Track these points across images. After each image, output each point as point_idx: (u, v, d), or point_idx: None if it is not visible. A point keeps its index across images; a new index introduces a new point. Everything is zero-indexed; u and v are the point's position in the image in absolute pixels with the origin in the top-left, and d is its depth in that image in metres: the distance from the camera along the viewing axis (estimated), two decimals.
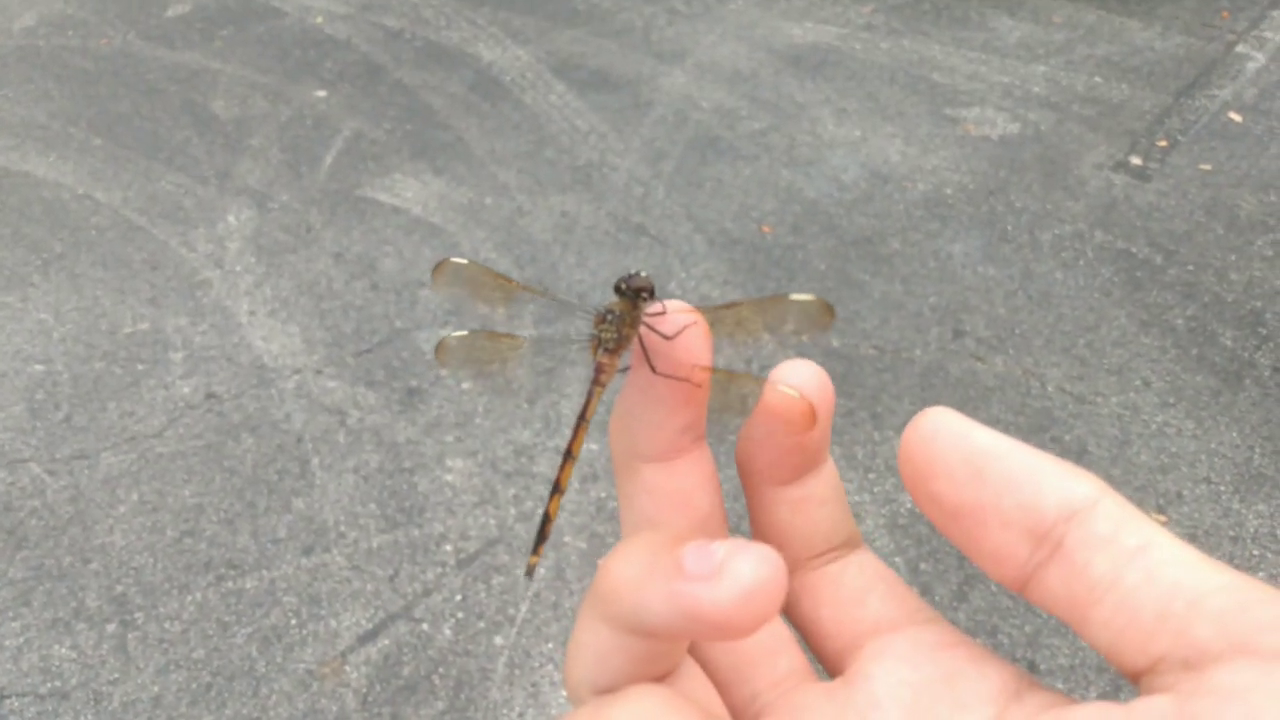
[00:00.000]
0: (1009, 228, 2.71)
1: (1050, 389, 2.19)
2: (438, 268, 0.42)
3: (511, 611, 1.76)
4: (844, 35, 3.77)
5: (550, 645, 1.70)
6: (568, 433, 2.08)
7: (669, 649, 0.24)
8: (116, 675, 1.67)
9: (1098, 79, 3.43)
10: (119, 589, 1.80)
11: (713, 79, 3.47)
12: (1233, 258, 2.58)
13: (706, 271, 2.54)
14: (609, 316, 0.36)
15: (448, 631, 1.73)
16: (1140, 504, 1.92)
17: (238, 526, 1.91)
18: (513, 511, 1.92)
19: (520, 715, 1.60)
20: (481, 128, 3.17)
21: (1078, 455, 2.01)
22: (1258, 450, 2.04)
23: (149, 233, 2.69)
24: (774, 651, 0.28)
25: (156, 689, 1.65)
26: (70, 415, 2.14)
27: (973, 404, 2.13)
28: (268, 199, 2.83)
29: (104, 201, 2.81)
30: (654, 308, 0.32)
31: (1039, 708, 0.23)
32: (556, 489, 0.38)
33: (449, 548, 1.86)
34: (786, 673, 0.28)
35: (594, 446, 2.05)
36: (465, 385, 2.19)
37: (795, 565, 0.30)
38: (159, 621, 1.75)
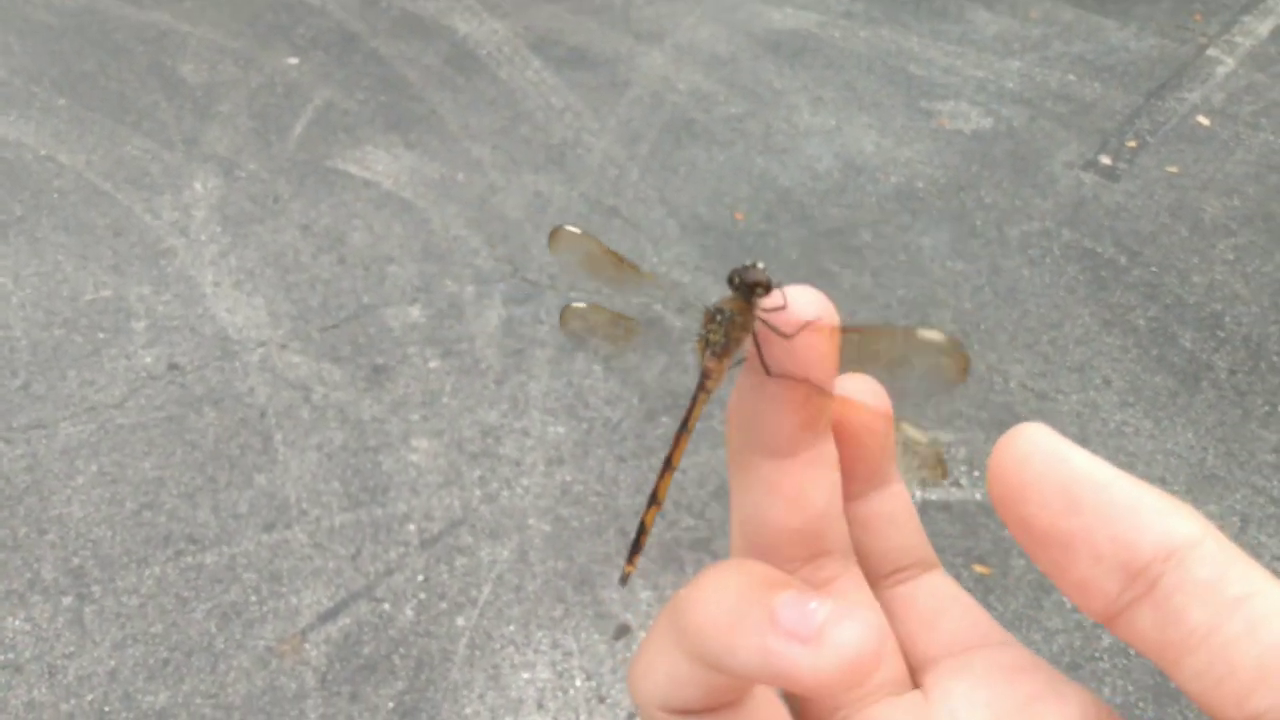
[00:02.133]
0: (978, 223, 2.73)
1: (1013, 385, 2.22)
2: (554, 235, 0.39)
3: (474, 593, 1.76)
4: (823, 22, 3.77)
5: (512, 628, 1.71)
6: (535, 415, 2.08)
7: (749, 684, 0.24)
8: (72, 649, 1.65)
9: (1071, 77, 3.46)
10: (76, 561, 1.78)
11: (691, 61, 3.46)
12: (1195, 260, 2.62)
13: (678, 256, 2.54)
14: (718, 316, 0.33)
15: (409, 612, 1.73)
16: None
17: (198, 501, 1.89)
18: (477, 493, 1.92)
19: (480, 696, 1.61)
20: (456, 101, 3.14)
21: None
22: (1211, 451, 2.09)
23: (113, 198, 2.64)
24: (884, 659, 0.27)
25: (113, 663, 1.63)
26: (28, 383, 2.10)
27: (936, 398, 2.16)
28: (235, 167, 2.79)
29: (67, 164, 2.76)
30: (772, 300, 0.29)
31: None
32: (654, 500, 0.36)
33: (412, 528, 1.86)
34: (876, 684, 0.27)
35: (561, 429, 2.05)
36: (432, 364, 2.18)
37: (870, 583, 0.29)
38: (116, 595, 1.73)
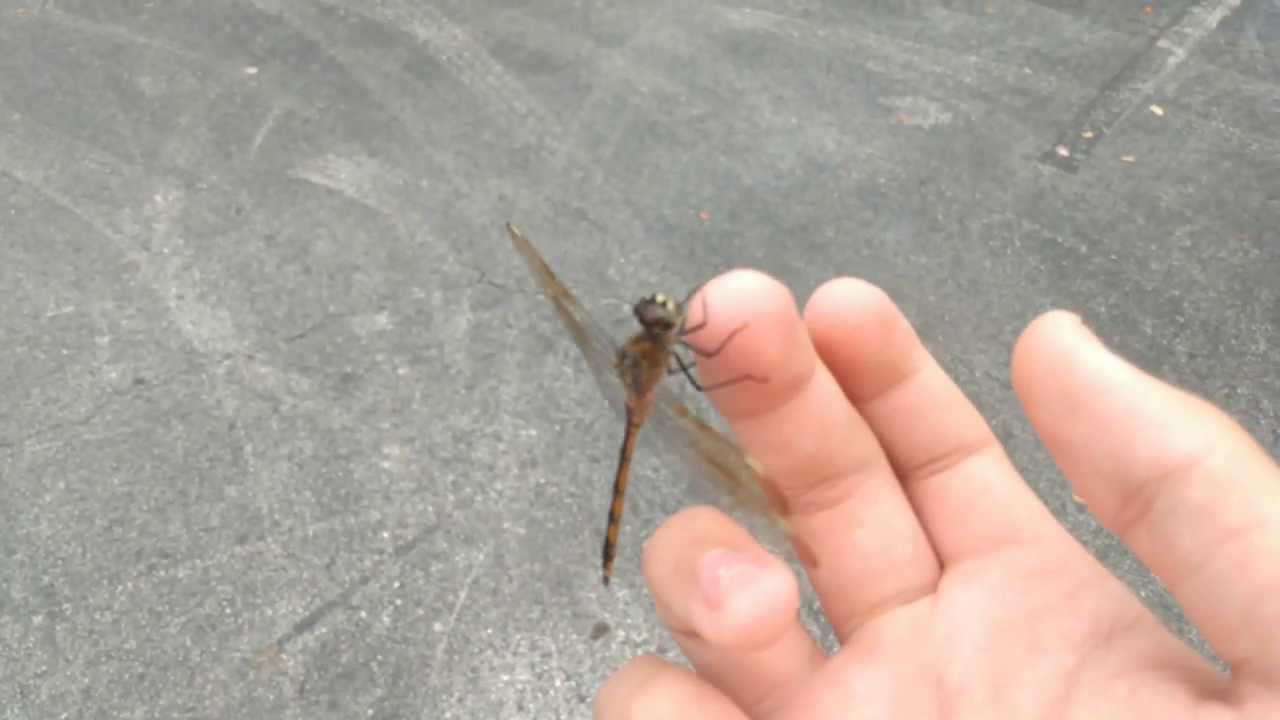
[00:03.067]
0: (940, 217, 2.77)
1: (978, 374, 2.25)
2: (510, 230, 0.38)
3: (450, 598, 1.76)
4: (781, 22, 3.80)
5: (489, 631, 1.71)
6: (506, 419, 2.09)
7: None
8: (44, 668, 1.63)
9: (1028, 70, 3.51)
10: (46, 579, 1.76)
11: (652, 63, 3.47)
12: (1153, 248, 2.67)
13: (645, 258, 2.56)
14: (625, 360, 0.31)
15: (386, 619, 1.73)
16: (1062, 488, 1.98)
17: (169, 515, 1.88)
18: (451, 498, 1.92)
19: (460, 700, 1.61)
20: (417, 108, 3.13)
21: (1004, 439, 2.07)
22: None
23: (72, 213, 2.61)
24: (881, 574, 0.26)
25: (87, 681, 1.62)
26: None
27: None
28: (196, 179, 2.77)
29: (24, 180, 2.72)
30: (693, 317, 0.26)
31: (1123, 664, 0.21)
32: (612, 519, 0.36)
33: (386, 535, 1.85)
34: (894, 591, 0.26)
35: (533, 432, 2.05)
36: (402, 371, 2.18)
37: (902, 476, 0.28)
38: (88, 612, 1.72)
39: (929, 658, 0.25)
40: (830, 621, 0.27)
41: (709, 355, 0.25)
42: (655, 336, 0.30)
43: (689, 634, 0.24)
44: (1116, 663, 0.21)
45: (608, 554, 0.37)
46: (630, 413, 0.32)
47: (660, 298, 0.30)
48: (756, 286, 0.24)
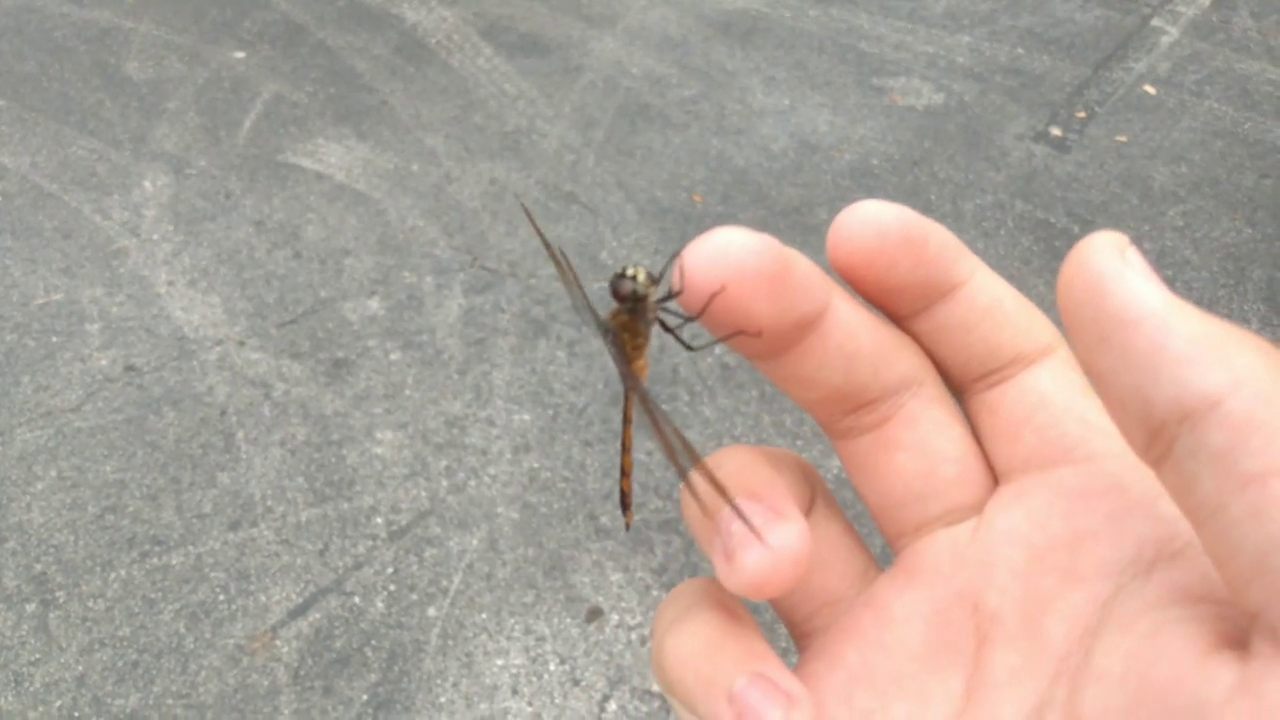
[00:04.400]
0: (933, 198, 2.76)
1: None
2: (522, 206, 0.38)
3: (444, 583, 1.76)
4: (773, 2, 3.78)
5: (484, 615, 1.71)
6: (499, 404, 2.08)
7: None
8: (38, 655, 1.63)
9: (1020, 50, 3.50)
10: (38, 568, 1.76)
11: (643, 45, 3.45)
12: (1146, 228, 2.66)
13: (638, 240, 2.55)
14: (607, 336, 0.31)
15: (380, 604, 1.72)
16: None
17: (161, 502, 1.87)
18: (444, 483, 1.92)
19: (454, 685, 1.61)
20: (407, 91, 3.11)
21: None
22: None
23: (60, 199, 2.59)
24: (925, 496, 0.26)
25: (80, 668, 1.62)
26: None
27: None
28: (185, 164, 2.75)
29: (10, 167, 2.70)
30: (673, 287, 0.25)
31: (1158, 597, 0.20)
32: (623, 473, 0.36)
33: (379, 520, 1.85)
34: (940, 514, 0.26)
35: (526, 417, 2.04)
36: (394, 356, 2.17)
37: (958, 391, 0.27)
38: (81, 600, 1.71)
39: (966, 582, 0.24)
40: (885, 540, 0.27)
41: (691, 319, 0.25)
42: (632, 309, 0.30)
43: None
44: (1152, 595, 0.20)
45: (624, 503, 0.37)
46: (625, 379, 0.33)
47: (630, 270, 0.30)
48: (731, 244, 0.23)
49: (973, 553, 0.25)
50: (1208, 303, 2.40)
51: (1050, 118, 3.12)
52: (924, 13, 3.73)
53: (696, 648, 0.23)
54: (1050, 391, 0.25)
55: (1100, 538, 0.22)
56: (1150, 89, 3.27)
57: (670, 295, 0.25)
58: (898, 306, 0.26)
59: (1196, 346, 0.18)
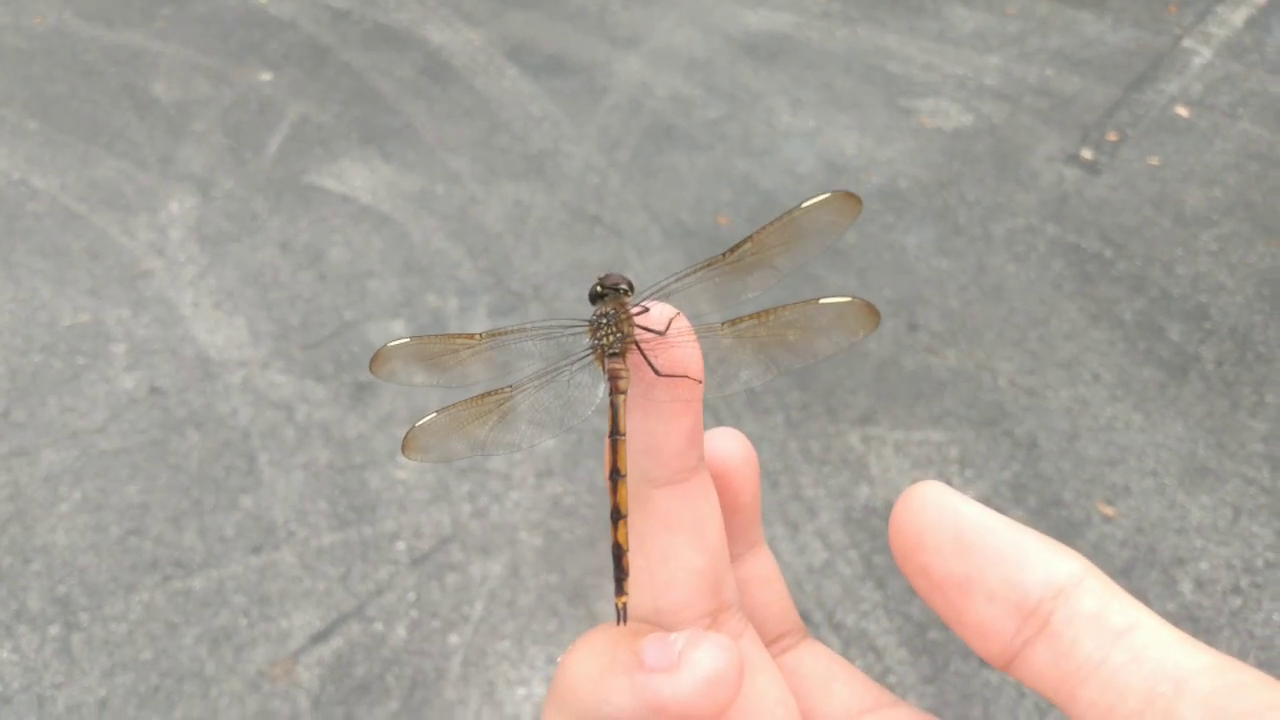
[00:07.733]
0: (962, 220, 2.73)
1: (1002, 382, 2.21)
2: (375, 358, 0.40)
3: (466, 610, 1.74)
4: (799, 23, 3.76)
5: (506, 643, 1.69)
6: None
7: None
8: (60, 678, 1.62)
9: (1050, 71, 3.46)
10: (62, 589, 1.75)
11: (668, 65, 3.45)
12: (1179, 252, 2.62)
13: (663, 263, 2.53)
14: (604, 320, 0.36)
15: (401, 631, 1.71)
16: (1088, 497, 1.95)
17: (184, 525, 1.86)
18: (466, 508, 1.90)
19: (476, 714, 1.59)
20: (431, 113, 3.12)
21: (1028, 449, 2.03)
22: (1201, 443, 2.08)
23: (88, 220, 2.61)
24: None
25: (103, 692, 1.60)
26: (8, 410, 2.07)
27: (926, 398, 2.15)
28: (211, 186, 2.76)
29: (40, 188, 2.72)
30: (637, 307, 0.33)
31: None
32: (616, 514, 0.34)
33: (402, 545, 1.84)
34: None
35: (550, 444, 2.03)
36: (418, 379, 2.16)
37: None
38: (104, 623, 1.70)
39: None
40: None
41: (660, 333, 0.31)
42: (620, 299, 0.36)
43: None
44: None
45: (620, 568, 0.34)
46: (615, 377, 0.36)
47: (611, 273, 0.37)
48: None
49: None
50: (1243, 329, 2.36)
51: (1081, 140, 3.08)
52: (952, 34, 3.71)
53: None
54: (836, 657, 0.32)
55: None
56: (1182, 111, 3.23)
57: (641, 312, 0.32)
58: (738, 534, 0.33)
59: (1047, 542, 0.23)
